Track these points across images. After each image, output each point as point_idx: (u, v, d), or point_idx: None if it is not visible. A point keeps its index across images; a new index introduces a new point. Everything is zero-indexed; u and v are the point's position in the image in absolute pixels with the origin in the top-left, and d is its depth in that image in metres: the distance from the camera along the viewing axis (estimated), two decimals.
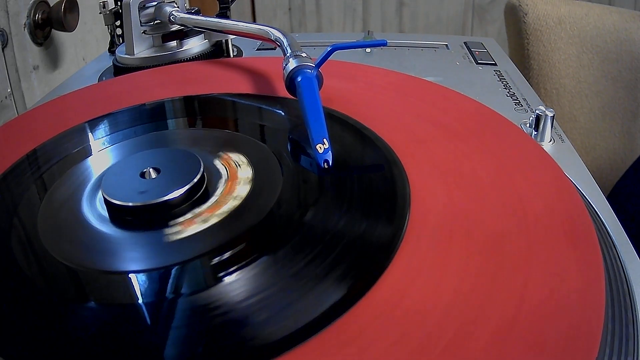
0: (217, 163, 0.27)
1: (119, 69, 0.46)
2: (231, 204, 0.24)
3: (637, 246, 0.24)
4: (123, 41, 0.46)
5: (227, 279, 0.20)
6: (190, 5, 0.49)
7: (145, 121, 0.33)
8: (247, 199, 0.24)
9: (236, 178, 0.26)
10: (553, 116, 0.33)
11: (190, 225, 0.23)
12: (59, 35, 0.62)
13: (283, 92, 0.32)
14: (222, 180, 0.25)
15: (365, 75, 0.37)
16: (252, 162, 0.27)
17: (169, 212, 0.23)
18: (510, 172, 0.25)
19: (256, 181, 0.25)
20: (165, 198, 0.23)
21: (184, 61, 0.45)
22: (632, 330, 0.19)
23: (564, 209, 0.22)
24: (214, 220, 0.23)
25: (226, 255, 0.21)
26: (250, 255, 0.21)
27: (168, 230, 0.23)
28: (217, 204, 0.24)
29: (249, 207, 0.24)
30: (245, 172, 0.26)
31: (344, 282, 0.19)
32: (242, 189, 0.25)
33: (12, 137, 0.33)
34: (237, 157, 0.27)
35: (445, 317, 0.18)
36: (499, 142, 0.27)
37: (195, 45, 0.46)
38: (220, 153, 0.28)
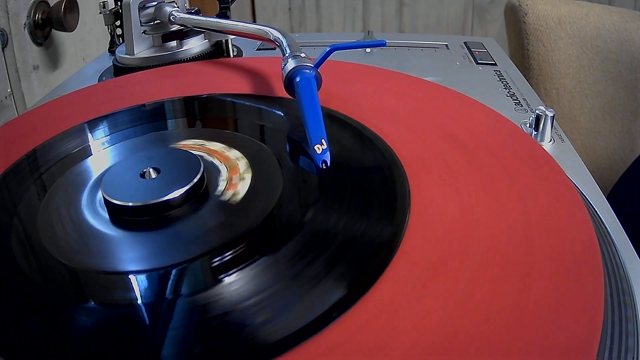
0: (217, 162, 0.27)
1: (119, 69, 0.46)
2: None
3: (636, 245, 0.24)
4: (123, 41, 0.46)
5: (227, 280, 0.20)
6: (190, 5, 0.49)
7: (145, 121, 0.33)
8: (248, 199, 0.24)
9: (236, 177, 0.26)
10: (553, 116, 0.33)
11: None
12: (59, 35, 0.62)
13: (283, 92, 0.32)
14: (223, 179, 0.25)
15: (365, 76, 0.37)
16: (252, 162, 0.27)
17: (169, 212, 0.23)
18: (510, 171, 0.25)
19: (256, 181, 0.25)
20: (165, 198, 0.23)
21: (184, 61, 0.45)
22: (632, 328, 0.19)
23: (564, 209, 0.22)
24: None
25: (226, 255, 0.21)
26: (250, 255, 0.21)
27: (169, 230, 0.23)
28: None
29: (249, 208, 0.24)
30: (244, 169, 0.26)
31: (344, 282, 0.19)
32: (242, 188, 0.25)
33: (12, 137, 0.33)
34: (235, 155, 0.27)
35: (446, 317, 0.18)
36: (500, 142, 0.27)
37: (195, 45, 0.46)
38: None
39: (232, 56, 0.48)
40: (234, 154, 0.28)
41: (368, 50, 0.51)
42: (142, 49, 0.45)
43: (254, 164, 0.27)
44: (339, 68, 0.38)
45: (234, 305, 0.18)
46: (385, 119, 0.30)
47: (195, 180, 0.24)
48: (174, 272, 0.20)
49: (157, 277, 0.20)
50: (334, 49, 0.32)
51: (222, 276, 0.20)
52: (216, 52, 0.47)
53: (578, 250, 0.20)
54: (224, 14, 0.49)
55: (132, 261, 0.21)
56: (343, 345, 0.17)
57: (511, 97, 0.40)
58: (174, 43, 0.45)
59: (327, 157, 0.26)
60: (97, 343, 0.18)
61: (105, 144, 0.30)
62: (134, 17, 0.44)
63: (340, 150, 0.27)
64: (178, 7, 0.45)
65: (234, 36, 0.45)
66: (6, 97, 0.53)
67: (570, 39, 0.66)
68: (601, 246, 0.21)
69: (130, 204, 0.23)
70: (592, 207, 0.27)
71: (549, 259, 0.20)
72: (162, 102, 0.35)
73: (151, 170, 0.25)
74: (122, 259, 0.22)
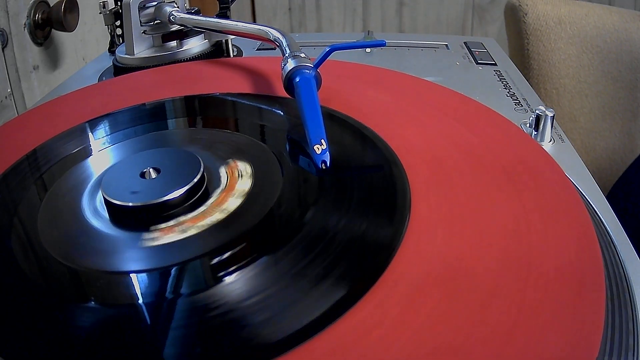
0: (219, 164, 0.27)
1: (119, 69, 0.46)
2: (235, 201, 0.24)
3: (636, 245, 0.24)
4: (123, 41, 0.46)
5: (227, 279, 0.20)
6: (190, 5, 0.49)
7: (145, 121, 0.33)
8: (248, 199, 0.24)
9: (236, 177, 0.26)
10: (553, 116, 0.33)
11: (193, 223, 0.23)
12: (59, 35, 0.62)
13: (283, 92, 0.32)
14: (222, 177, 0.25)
15: (365, 75, 0.37)
16: (252, 162, 0.27)
17: (169, 211, 0.23)
18: (510, 171, 0.25)
19: (256, 181, 0.25)
20: (165, 198, 0.23)
21: (184, 61, 0.45)
22: (632, 327, 0.19)
23: (564, 210, 0.22)
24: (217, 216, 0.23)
25: (226, 255, 0.21)
26: (250, 255, 0.21)
27: (169, 230, 0.23)
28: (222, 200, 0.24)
29: (250, 207, 0.24)
30: (245, 169, 0.26)
31: (344, 282, 0.19)
32: (243, 187, 0.25)
33: (12, 137, 0.33)
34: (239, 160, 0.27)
35: (446, 317, 0.18)
36: (500, 142, 0.27)
37: (195, 45, 0.46)
38: (229, 160, 0.28)
39: (232, 56, 0.48)
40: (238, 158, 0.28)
41: (368, 50, 0.51)
42: (142, 49, 0.45)
43: (253, 164, 0.27)
44: (338, 68, 0.38)
45: (234, 305, 0.18)
46: (385, 118, 0.30)
47: (196, 180, 0.24)
48: (174, 271, 0.20)
49: (158, 276, 0.20)
50: (334, 49, 0.32)
51: (222, 276, 0.20)
52: (216, 52, 0.47)
53: (578, 250, 0.20)
54: (224, 14, 0.49)
55: (132, 261, 0.21)
56: (343, 345, 0.17)
57: (511, 97, 0.40)
58: (174, 43, 0.45)
59: (327, 157, 0.26)
60: (98, 343, 0.18)
61: (106, 143, 0.30)
62: (134, 17, 0.44)
63: (340, 150, 0.27)
64: (178, 7, 0.45)
65: (234, 36, 0.45)
66: (6, 97, 0.53)
67: (570, 39, 0.66)
68: (601, 246, 0.21)
69: (130, 204, 0.23)
70: (592, 207, 0.27)
71: (549, 259, 0.20)
72: (162, 102, 0.35)
73: (151, 170, 0.25)
74: (122, 259, 0.22)
